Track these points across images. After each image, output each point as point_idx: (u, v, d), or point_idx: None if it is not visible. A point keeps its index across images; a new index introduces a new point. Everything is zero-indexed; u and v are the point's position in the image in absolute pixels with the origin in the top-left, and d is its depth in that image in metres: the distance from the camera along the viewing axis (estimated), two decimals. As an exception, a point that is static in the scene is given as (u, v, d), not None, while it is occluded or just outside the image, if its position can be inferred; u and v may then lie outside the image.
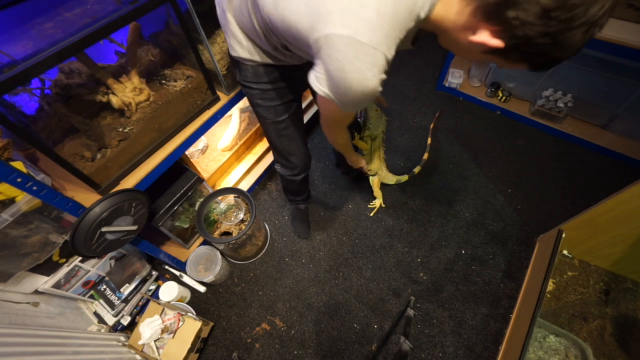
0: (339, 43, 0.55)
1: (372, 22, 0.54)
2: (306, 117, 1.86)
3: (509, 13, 0.46)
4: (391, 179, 1.64)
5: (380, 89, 0.61)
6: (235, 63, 0.94)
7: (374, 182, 1.57)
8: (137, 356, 1.20)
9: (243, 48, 0.87)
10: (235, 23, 0.83)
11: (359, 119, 1.38)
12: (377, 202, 1.61)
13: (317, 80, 0.64)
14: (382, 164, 1.54)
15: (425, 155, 1.77)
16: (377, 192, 1.58)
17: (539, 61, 0.53)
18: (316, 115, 1.91)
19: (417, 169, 1.72)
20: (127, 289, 1.35)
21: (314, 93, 1.29)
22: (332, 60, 0.57)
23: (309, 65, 0.74)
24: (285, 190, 1.46)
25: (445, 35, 0.60)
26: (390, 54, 0.58)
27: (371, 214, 1.63)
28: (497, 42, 0.50)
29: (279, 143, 1.10)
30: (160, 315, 1.24)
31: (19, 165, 0.79)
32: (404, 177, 1.68)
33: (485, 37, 0.51)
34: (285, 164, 1.18)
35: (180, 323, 1.23)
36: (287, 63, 0.90)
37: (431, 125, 1.91)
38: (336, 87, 0.61)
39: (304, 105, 1.82)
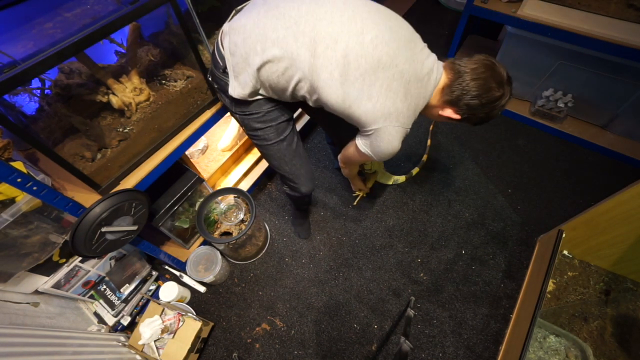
0: (392, 130, 0.85)
1: (410, 116, 0.88)
2: (299, 126, 1.87)
3: (461, 103, 0.85)
4: (388, 179, 1.64)
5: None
6: (231, 99, 0.93)
7: (369, 178, 1.55)
8: (137, 356, 1.20)
9: (254, 95, 0.91)
10: (258, 78, 0.86)
11: None
12: (361, 193, 1.59)
13: (364, 145, 0.93)
14: (380, 164, 1.53)
15: (424, 157, 1.77)
16: (368, 186, 1.56)
17: (476, 123, 0.92)
18: (310, 122, 1.92)
19: (415, 170, 1.72)
20: (127, 289, 1.35)
21: (311, 114, 1.32)
22: (384, 139, 0.87)
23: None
24: (292, 201, 1.44)
25: (425, 109, 0.93)
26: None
27: (354, 203, 1.63)
28: (457, 116, 0.89)
29: (284, 165, 1.10)
30: (160, 316, 1.24)
31: (19, 165, 0.79)
32: (402, 178, 1.68)
33: (450, 113, 0.89)
34: (294, 187, 1.18)
35: (180, 323, 1.23)
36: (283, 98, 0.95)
37: (431, 127, 1.91)
38: (381, 152, 0.91)
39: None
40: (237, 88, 0.89)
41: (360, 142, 0.94)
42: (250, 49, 0.83)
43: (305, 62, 0.81)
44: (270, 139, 1.02)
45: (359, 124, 0.89)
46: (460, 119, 0.90)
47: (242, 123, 1.02)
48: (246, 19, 0.85)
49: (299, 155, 1.10)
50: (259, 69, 0.84)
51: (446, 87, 0.86)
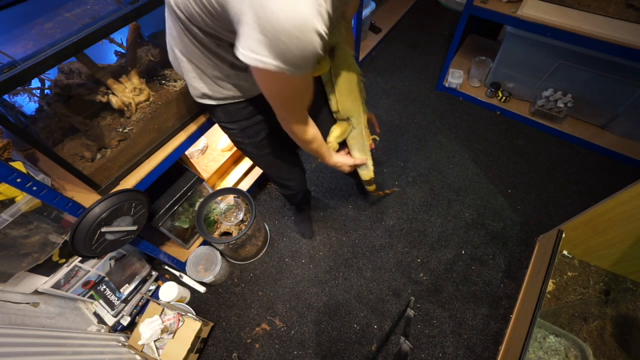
0: None
1: None
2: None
3: None
4: (367, 172, 1.16)
5: (322, 26, 0.47)
6: (203, 106, 0.88)
7: (352, 145, 1.05)
8: (137, 356, 1.19)
9: (203, 83, 0.78)
10: (183, 57, 0.74)
11: None
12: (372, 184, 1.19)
13: (251, 50, 0.49)
14: (353, 99, 0.95)
15: (389, 190, 1.67)
16: (356, 155, 1.07)
17: None
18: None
19: (383, 192, 1.57)
20: (127, 289, 1.35)
21: None
22: (256, 7, 0.45)
23: None
24: (288, 201, 1.45)
25: None
26: None
27: (380, 194, 1.28)
28: None
29: (272, 172, 1.08)
30: (160, 316, 1.24)
31: (18, 165, 0.79)
32: (372, 187, 1.29)
33: None
34: (283, 187, 1.17)
35: (180, 323, 1.23)
36: (251, 92, 0.82)
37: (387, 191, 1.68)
38: (275, 42, 0.47)
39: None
40: (190, 86, 0.82)
41: (247, 52, 0.50)
42: (166, 35, 0.75)
43: None
44: (253, 152, 1.00)
45: (228, 14, 0.51)
46: None
47: (225, 134, 0.99)
48: None
49: (286, 163, 1.06)
50: (176, 46, 0.74)
51: None
